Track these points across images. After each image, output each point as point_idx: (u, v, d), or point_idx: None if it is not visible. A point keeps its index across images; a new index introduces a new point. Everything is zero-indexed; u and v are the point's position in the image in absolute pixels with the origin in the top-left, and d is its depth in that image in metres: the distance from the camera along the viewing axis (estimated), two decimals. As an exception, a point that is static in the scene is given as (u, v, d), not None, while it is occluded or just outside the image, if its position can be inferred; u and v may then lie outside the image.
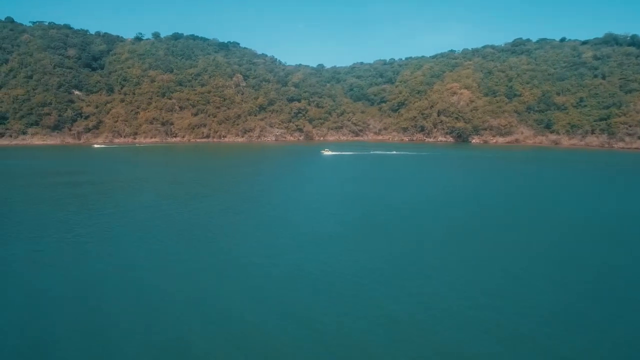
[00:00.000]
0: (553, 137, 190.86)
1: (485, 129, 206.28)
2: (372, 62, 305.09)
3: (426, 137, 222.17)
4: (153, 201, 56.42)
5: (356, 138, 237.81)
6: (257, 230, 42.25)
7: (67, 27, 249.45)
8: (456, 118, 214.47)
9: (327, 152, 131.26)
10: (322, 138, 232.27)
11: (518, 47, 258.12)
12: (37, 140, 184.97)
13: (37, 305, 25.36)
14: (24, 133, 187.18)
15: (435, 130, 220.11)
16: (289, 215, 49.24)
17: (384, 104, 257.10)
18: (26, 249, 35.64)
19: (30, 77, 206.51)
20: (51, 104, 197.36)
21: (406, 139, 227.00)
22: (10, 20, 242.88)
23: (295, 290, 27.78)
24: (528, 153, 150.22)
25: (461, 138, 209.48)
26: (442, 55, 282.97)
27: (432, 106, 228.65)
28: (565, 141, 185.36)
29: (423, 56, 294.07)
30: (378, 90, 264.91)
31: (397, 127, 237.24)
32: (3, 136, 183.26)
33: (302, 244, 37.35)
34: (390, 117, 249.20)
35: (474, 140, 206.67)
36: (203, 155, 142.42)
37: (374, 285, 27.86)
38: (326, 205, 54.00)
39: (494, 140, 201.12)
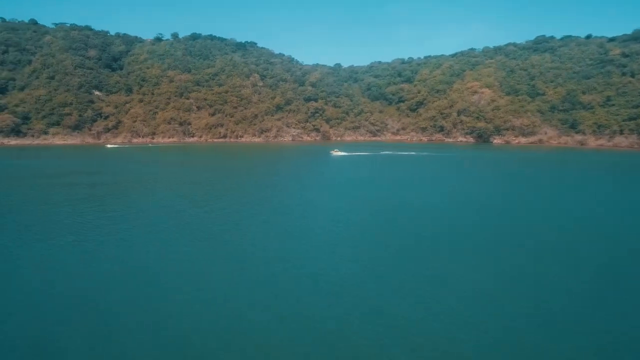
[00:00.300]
0: (579, 137, 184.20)
1: (508, 129, 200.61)
2: (390, 61, 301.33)
3: (445, 137, 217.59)
4: (168, 201, 55.19)
5: (374, 138, 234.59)
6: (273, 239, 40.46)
7: (88, 28, 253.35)
8: (477, 118, 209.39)
9: (336, 153, 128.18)
10: (339, 138, 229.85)
11: (541, 44, 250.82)
12: (57, 140, 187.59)
13: (50, 307, 25.19)
14: (46, 133, 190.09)
15: (455, 130, 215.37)
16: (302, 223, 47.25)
17: (402, 104, 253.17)
18: (45, 249, 34.71)
19: (52, 77, 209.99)
20: (72, 104, 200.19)
21: (425, 139, 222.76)
22: (33, 22, 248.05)
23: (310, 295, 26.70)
24: (555, 155, 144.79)
25: (482, 138, 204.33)
26: (462, 53, 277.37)
27: (451, 105, 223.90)
28: (592, 142, 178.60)
29: (442, 55, 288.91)
30: (396, 90, 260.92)
31: (415, 127, 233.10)
32: (25, 136, 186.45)
33: (312, 250, 35.40)
34: (408, 116, 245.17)
35: (495, 141, 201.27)
36: (213, 156, 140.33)
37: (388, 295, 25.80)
38: (335, 212, 51.50)
39: (517, 141, 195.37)
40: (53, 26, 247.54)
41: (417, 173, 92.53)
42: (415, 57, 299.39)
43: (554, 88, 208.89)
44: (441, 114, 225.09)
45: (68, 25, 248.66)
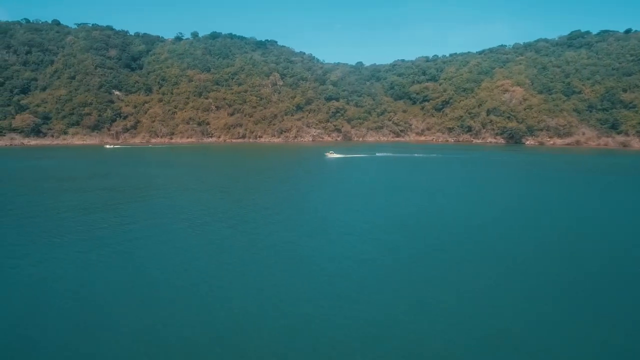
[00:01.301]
0: (621, 138, 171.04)
1: (541, 130, 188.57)
2: (413, 59, 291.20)
3: (474, 138, 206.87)
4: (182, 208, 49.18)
5: (397, 139, 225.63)
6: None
7: (109, 28, 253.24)
8: (508, 117, 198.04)
9: (331, 155, 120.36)
10: (361, 139, 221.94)
11: (576, 40, 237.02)
12: (77, 140, 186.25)
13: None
14: (65, 133, 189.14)
15: (484, 130, 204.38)
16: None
17: (426, 103, 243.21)
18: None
19: (73, 77, 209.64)
20: (92, 104, 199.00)
21: (451, 140, 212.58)
22: (56, 22, 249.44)
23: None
24: (596, 157, 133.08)
25: (513, 139, 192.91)
26: (490, 50, 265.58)
27: (480, 105, 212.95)
28: (636, 143, 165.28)
29: (469, 52, 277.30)
30: (420, 89, 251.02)
31: (441, 127, 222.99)
32: (45, 136, 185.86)
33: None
34: (433, 116, 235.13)
35: (528, 142, 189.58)
36: (203, 158, 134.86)
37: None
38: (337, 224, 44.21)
39: (551, 142, 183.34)
40: (75, 26, 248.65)
41: (432, 178, 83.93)
42: (440, 54, 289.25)
43: (592, 86, 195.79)
44: (469, 113, 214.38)
45: (90, 25, 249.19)
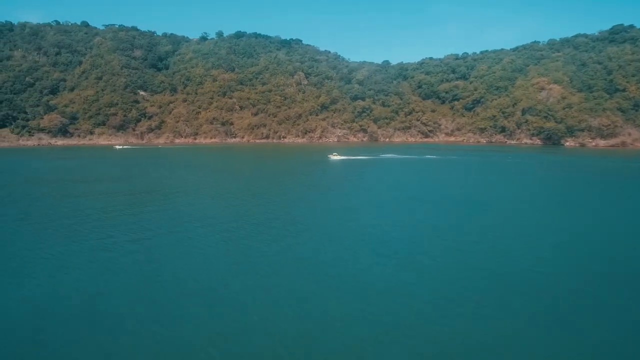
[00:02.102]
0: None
1: (582, 130, 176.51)
2: (442, 57, 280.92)
3: (507, 139, 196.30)
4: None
5: (425, 139, 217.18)
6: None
7: (135, 29, 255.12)
8: (545, 117, 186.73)
9: (334, 157, 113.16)
10: (387, 139, 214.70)
11: (618, 34, 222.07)
12: (102, 140, 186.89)
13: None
14: (91, 133, 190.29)
15: (519, 131, 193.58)
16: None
17: (456, 102, 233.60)
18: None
19: (100, 78, 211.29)
20: (117, 104, 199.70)
21: (483, 140, 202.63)
22: (85, 24, 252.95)
23: None
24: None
25: (551, 140, 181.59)
26: (524, 47, 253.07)
27: (514, 104, 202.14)
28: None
29: (502, 49, 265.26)
30: (450, 87, 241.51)
31: (472, 127, 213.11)
32: (72, 136, 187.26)
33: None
34: (464, 116, 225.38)
35: (567, 143, 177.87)
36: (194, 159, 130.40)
37: None
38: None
39: (593, 143, 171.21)
40: (103, 27, 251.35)
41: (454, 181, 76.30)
42: (470, 51, 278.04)
43: (637, 83, 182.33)
44: (502, 113, 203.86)
45: (117, 26, 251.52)
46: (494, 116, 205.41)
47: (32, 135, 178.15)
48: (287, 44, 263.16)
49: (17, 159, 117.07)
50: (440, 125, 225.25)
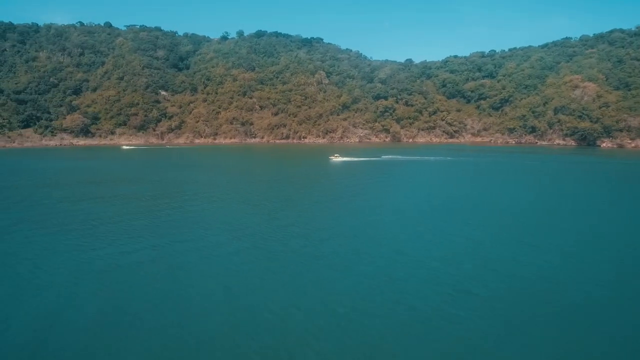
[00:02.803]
0: None
1: (621, 130, 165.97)
2: (467, 54, 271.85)
3: (538, 139, 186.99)
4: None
5: (450, 140, 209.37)
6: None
7: (158, 29, 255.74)
8: (579, 117, 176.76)
9: (336, 158, 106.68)
10: (411, 140, 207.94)
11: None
12: (123, 140, 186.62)
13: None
14: (112, 133, 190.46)
15: (551, 131, 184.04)
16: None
17: (483, 101, 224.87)
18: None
19: (122, 78, 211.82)
20: (138, 104, 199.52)
21: (512, 141, 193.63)
22: (108, 25, 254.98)
23: None
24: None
25: (586, 141, 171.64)
26: (554, 43, 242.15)
27: (545, 103, 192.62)
28: None
29: (530, 46, 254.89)
30: (476, 86, 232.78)
31: (500, 127, 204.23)
32: (94, 136, 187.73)
33: None
34: (491, 116, 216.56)
35: (603, 144, 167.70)
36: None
37: None
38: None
39: (633, 144, 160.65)
40: (125, 28, 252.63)
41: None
42: (497, 49, 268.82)
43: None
44: (533, 112, 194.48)
45: (138, 26, 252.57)
46: (524, 116, 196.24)
47: (55, 135, 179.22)
48: (308, 43, 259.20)
49: (24, 159, 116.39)
50: (465, 126, 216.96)
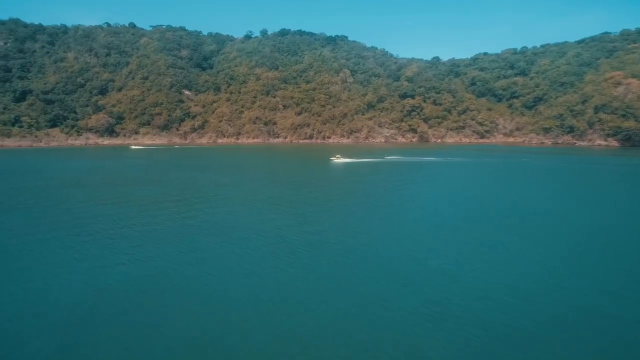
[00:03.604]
0: None
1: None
2: (498, 51, 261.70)
3: (577, 140, 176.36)
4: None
5: (481, 140, 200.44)
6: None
7: (182, 29, 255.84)
8: (623, 115, 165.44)
9: (337, 159, 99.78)
10: (439, 140, 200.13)
11: None
12: (147, 140, 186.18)
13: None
14: (136, 133, 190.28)
15: (591, 131, 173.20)
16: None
17: (515, 100, 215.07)
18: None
19: (146, 78, 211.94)
20: (162, 103, 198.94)
21: (548, 142, 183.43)
22: (132, 25, 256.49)
23: None
24: None
25: (630, 142, 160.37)
26: (592, 39, 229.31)
27: (585, 101, 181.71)
28: None
29: (566, 42, 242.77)
30: (507, 84, 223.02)
31: (535, 127, 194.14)
32: (118, 135, 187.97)
33: None
34: (524, 115, 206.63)
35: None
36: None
37: None
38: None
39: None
40: (150, 28, 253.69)
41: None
42: (529, 45, 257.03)
43: None
44: (570, 111, 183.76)
45: (164, 26, 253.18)
46: (561, 115, 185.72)
47: (80, 135, 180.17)
48: (332, 41, 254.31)
49: (48, 158, 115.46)
50: (497, 125, 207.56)
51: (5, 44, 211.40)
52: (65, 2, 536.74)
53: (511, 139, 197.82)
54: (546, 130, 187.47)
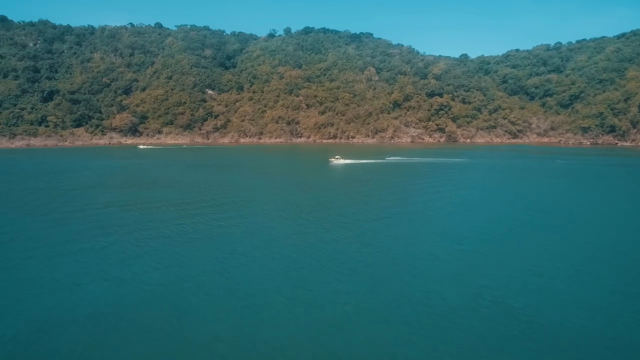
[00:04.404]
0: None
1: None
2: (530, 48, 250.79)
3: (619, 140, 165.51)
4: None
5: (513, 140, 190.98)
6: None
7: (206, 28, 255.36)
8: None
9: (337, 161, 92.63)
10: (468, 140, 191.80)
11: None
12: (169, 140, 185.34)
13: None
14: (159, 132, 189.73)
15: (635, 131, 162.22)
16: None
17: (549, 98, 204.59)
18: None
19: (170, 77, 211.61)
20: (185, 103, 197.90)
21: (587, 142, 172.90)
22: (159, 25, 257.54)
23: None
24: None
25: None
26: (633, 33, 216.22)
27: (627, 99, 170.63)
28: None
29: (603, 37, 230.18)
30: (541, 81, 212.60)
31: (572, 126, 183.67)
32: (141, 135, 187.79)
33: None
34: (559, 114, 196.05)
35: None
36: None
37: None
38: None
39: None
40: (175, 28, 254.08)
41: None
42: (564, 41, 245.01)
43: None
44: (611, 109, 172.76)
45: (188, 26, 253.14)
46: (601, 113, 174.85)
47: (105, 135, 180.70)
48: (357, 38, 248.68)
49: (71, 157, 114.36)
50: (530, 125, 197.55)
51: (35, 45, 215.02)
52: (93, 3, 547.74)
53: (546, 139, 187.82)
54: (584, 130, 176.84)
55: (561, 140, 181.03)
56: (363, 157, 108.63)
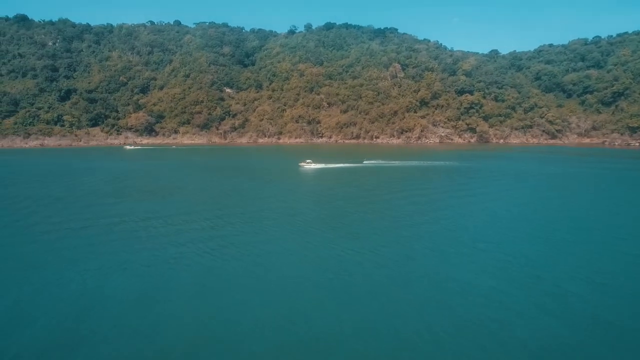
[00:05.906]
0: None
1: None
2: (566, 42, 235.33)
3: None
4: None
5: (552, 141, 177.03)
6: None
7: (225, 25, 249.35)
8: None
9: (307, 165, 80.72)
10: (501, 140, 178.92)
11: None
12: (186, 140, 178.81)
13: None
14: (176, 132, 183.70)
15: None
16: None
17: (589, 96, 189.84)
18: None
19: (188, 75, 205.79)
20: (202, 102, 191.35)
21: (636, 143, 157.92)
22: (177, 23, 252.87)
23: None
24: None
25: None
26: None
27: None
28: None
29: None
30: (579, 78, 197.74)
31: (617, 126, 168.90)
32: (157, 135, 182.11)
33: None
34: (601, 112, 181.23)
35: None
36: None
37: None
38: None
39: None
40: (194, 25, 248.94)
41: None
42: (603, 34, 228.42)
43: None
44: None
45: (207, 23, 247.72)
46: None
47: (120, 134, 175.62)
48: (381, 34, 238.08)
49: (81, 159, 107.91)
50: (569, 124, 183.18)
51: (54, 44, 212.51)
52: (113, 1, 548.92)
53: (587, 140, 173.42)
54: (632, 130, 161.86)
55: (605, 141, 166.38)
56: (338, 161, 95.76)
